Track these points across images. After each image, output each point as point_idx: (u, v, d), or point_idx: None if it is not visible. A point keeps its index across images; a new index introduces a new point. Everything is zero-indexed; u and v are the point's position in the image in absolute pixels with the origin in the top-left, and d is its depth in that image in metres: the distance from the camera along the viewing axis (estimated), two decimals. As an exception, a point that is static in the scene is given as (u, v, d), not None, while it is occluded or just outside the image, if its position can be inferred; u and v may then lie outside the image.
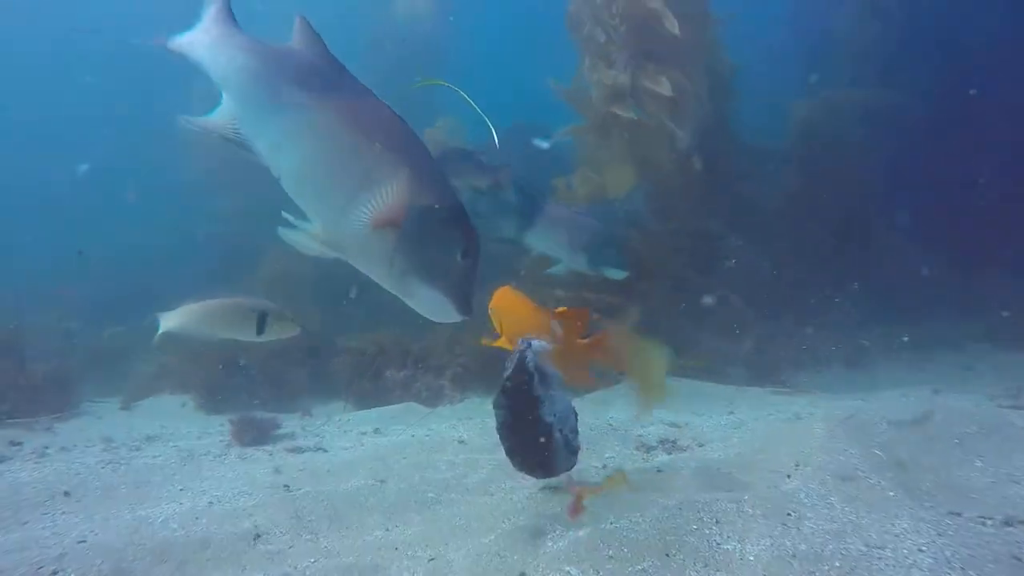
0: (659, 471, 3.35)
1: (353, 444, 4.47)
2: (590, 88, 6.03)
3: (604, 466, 3.79)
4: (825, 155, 8.07)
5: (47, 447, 4.32)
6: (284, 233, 2.10)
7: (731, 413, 5.46)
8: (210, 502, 3.22)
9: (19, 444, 4.40)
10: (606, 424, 4.80)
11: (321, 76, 2.06)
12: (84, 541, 2.66)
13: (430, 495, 3.21)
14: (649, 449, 4.36)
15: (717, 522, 2.39)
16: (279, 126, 2.08)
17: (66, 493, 3.34)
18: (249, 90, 2.15)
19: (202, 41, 2.30)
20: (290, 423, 5.34)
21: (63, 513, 3.09)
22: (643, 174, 6.25)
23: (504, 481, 3.21)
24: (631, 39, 5.70)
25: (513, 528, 2.56)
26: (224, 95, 2.24)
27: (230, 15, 2.31)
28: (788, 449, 3.22)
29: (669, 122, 5.63)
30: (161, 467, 3.86)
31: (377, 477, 3.51)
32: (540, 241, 4.80)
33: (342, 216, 1.95)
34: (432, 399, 6.07)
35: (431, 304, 2.01)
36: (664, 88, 5.35)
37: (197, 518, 2.98)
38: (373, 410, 5.62)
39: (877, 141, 8.10)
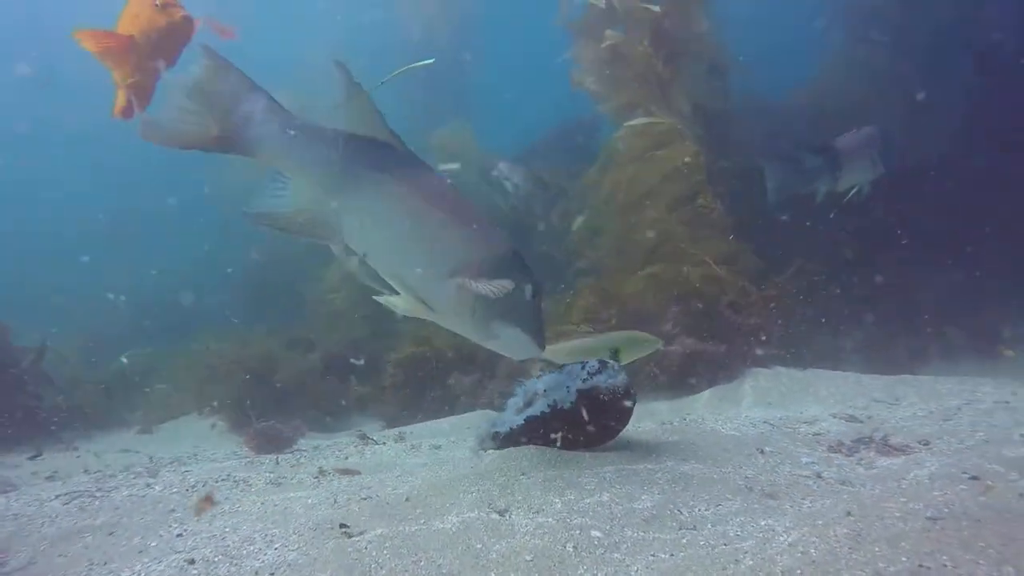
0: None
1: (429, 460, 3.07)
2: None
3: (819, 475, 2.36)
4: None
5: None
6: (384, 300, 2.23)
7: (914, 403, 4.05)
8: (215, 557, 1.84)
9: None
10: (748, 422, 3.45)
11: (394, 157, 2.16)
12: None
13: (593, 533, 1.79)
14: (851, 451, 2.91)
15: None
16: (366, 210, 2.16)
17: (-2, 549, 2.00)
18: (332, 180, 2.15)
19: (265, 136, 2.13)
20: (337, 440, 3.96)
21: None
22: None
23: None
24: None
25: None
26: (293, 184, 2.22)
27: (279, 104, 2.18)
28: None
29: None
30: (157, 501, 2.49)
31: (493, 506, 2.09)
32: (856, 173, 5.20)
33: (431, 282, 2.15)
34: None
35: (513, 342, 2.22)
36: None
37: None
38: (444, 420, 4.22)
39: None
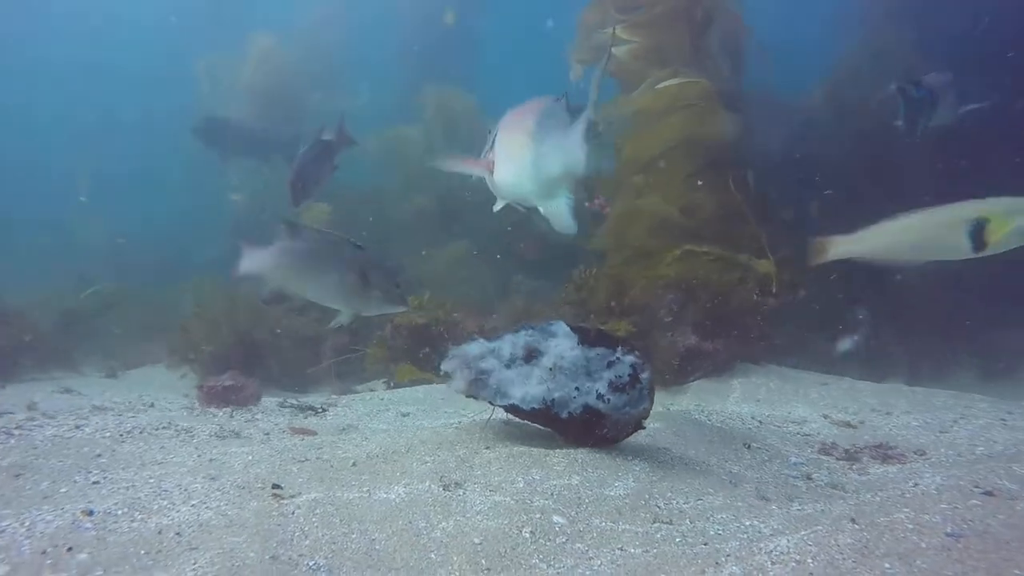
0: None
1: (391, 426, 2.81)
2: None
3: (808, 476, 2.12)
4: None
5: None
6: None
7: (908, 412, 3.85)
8: (118, 510, 1.57)
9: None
10: (736, 417, 3.21)
11: None
12: None
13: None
14: (843, 455, 2.69)
15: None
16: None
17: None
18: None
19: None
20: (310, 400, 3.70)
21: None
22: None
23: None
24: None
25: None
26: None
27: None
28: None
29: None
30: (83, 445, 2.22)
31: (447, 480, 1.83)
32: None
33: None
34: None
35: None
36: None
37: (71, 549, 1.33)
38: (420, 387, 3.96)
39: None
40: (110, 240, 9.67)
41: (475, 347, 2.20)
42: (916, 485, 1.93)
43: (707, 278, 4.38)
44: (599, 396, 2.09)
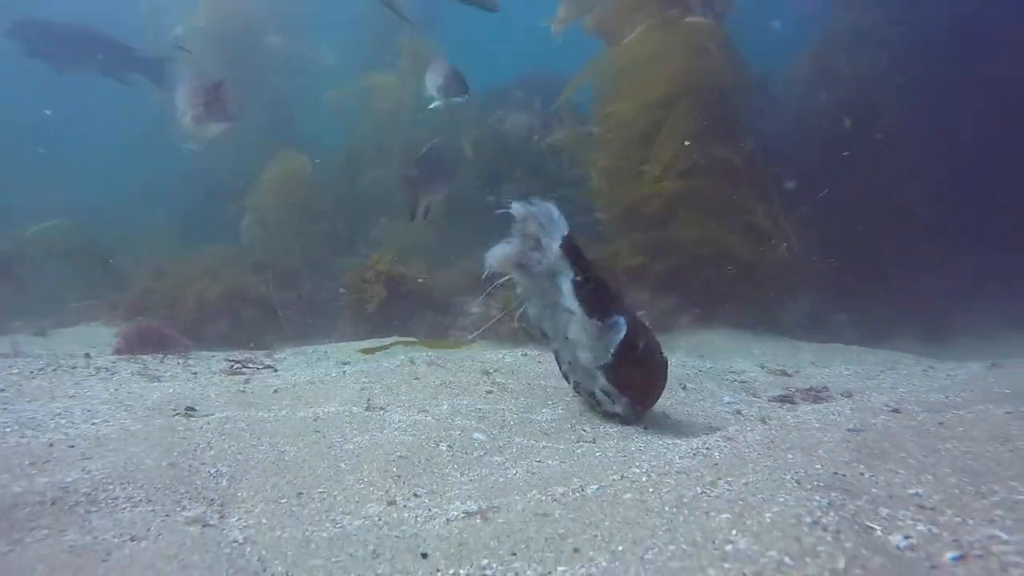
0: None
1: (328, 370, 2.74)
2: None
3: (739, 412, 2.14)
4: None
5: None
6: None
7: (842, 365, 4.00)
8: (6, 428, 1.47)
9: None
10: (676, 364, 3.26)
11: None
12: None
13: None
14: (776, 398, 2.75)
15: None
16: None
17: None
18: None
19: None
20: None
21: None
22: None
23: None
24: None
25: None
26: None
27: None
28: None
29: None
30: (-9, 379, 2.09)
31: (371, 404, 1.78)
32: None
33: None
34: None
35: None
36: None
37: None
38: (365, 340, 3.88)
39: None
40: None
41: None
42: (835, 410, 1.98)
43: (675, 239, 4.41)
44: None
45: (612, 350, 1.77)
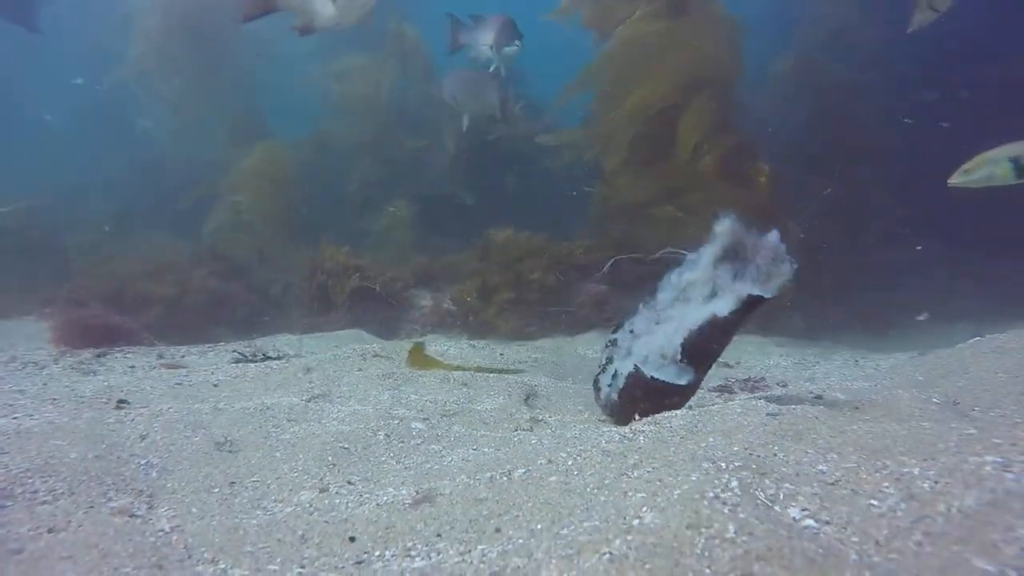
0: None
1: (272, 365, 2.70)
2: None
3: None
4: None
5: None
6: None
7: (781, 357, 4.17)
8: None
9: None
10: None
11: None
12: None
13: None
14: (723, 390, 2.87)
15: None
16: None
17: None
18: None
19: None
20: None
21: None
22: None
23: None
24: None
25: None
26: None
27: None
28: None
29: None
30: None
31: (311, 394, 1.77)
32: None
33: None
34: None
35: None
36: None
37: None
38: (317, 333, 3.83)
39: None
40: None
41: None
42: (761, 399, 2.08)
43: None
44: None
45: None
